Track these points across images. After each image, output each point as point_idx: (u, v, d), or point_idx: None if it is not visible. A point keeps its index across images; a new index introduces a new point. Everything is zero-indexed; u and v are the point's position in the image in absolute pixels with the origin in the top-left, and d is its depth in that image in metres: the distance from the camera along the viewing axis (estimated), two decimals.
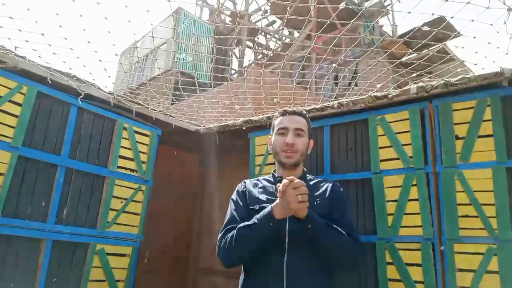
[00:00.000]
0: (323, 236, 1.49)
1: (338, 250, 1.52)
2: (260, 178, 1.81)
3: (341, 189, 1.75)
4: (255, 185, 1.74)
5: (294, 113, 1.74)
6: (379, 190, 2.21)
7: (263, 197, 1.65)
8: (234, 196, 1.75)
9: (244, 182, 1.79)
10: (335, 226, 1.52)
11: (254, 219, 1.49)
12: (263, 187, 1.71)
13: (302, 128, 1.70)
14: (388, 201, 2.17)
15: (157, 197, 3.25)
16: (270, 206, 1.46)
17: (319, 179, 1.78)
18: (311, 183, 1.73)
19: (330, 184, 1.72)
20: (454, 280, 1.87)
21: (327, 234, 1.49)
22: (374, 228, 2.17)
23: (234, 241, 1.51)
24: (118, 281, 2.66)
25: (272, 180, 1.74)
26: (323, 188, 1.70)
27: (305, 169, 1.78)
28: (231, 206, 1.72)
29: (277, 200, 1.44)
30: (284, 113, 1.75)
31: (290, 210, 1.41)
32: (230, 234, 1.55)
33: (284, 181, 1.42)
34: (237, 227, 1.53)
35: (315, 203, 1.60)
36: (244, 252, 1.55)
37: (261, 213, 1.48)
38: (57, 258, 2.39)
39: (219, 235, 1.62)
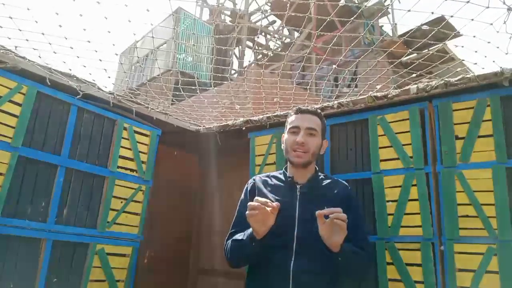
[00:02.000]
0: (347, 265, 1.48)
1: (353, 271, 1.55)
2: (271, 174, 1.77)
3: (353, 192, 1.74)
4: (265, 182, 1.71)
5: (307, 111, 1.71)
6: (379, 190, 2.20)
7: (272, 197, 1.61)
8: (242, 195, 1.73)
9: (253, 180, 1.75)
10: (354, 248, 1.50)
11: (243, 235, 1.50)
12: (273, 186, 1.68)
13: (315, 127, 1.67)
14: (388, 201, 2.16)
15: (157, 197, 3.24)
16: None
17: (331, 179, 1.74)
18: (323, 184, 1.70)
19: (343, 188, 1.69)
20: (454, 280, 1.87)
21: (350, 262, 1.47)
22: (374, 228, 2.17)
23: (230, 251, 1.55)
24: (118, 281, 2.66)
25: (283, 178, 1.70)
26: (335, 192, 1.67)
27: (317, 168, 1.75)
28: (238, 207, 1.71)
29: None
30: (297, 112, 1.72)
31: (260, 228, 1.41)
32: (229, 241, 1.58)
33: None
34: (231, 239, 1.56)
35: (326, 207, 1.57)
36: (240, 262, 1.60)
37: (249, 230, 1.48)
38: (57, 258, 2.39)
39: (227, 236, 1.64)
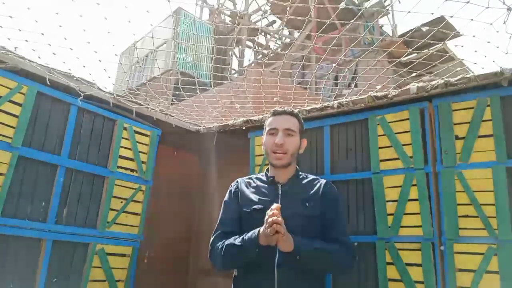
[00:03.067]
0: (314, 262, 1.50)
1: (330, 266, 1.57)
2: (253, 176, 1.80)
3: (334, 187, 1.74)
4: (248, 184, 1.74)
5: (284, 113, 1.73)
6: (379, 190, 2.20)
7: (255, 197, 1.65)
8: (226, 197, 1.75)
9: (237, 182, 1.79)
10: (322, 244, 1.51)
11: (241, 240, 1.49)
12: (256, 187, 1.71)
13: (292, 128, 1.69)
14: (388, 201, 2.17)
15: (157, 197, 3.25)
16: (258, 231, 1.44)
17: (312, 177, 1.77)
18: (304, 182, 1.73)
19: (323, 184, 1.71)
20: (454, 280, 1.87)
21: (317, 258, 1.49)
22: (374, 228, 2.17)
23: (222, 256, 1.54)
24: (118, 281, 2.66)
25: (265, 179, 1.73)
26: (315, 188, 1.69)
27: (297, 167, 1.77)
28: (223, 208, 1.73)
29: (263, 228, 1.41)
30: (274, 113, 1.75)
31: (272, 241, 1.40)
32: (219, 244, 1.57)
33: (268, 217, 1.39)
34: (226, 243, 1.54)
35: (307, 204, 1.60)
36: (232, 265, 1.62)
37: (249, 236, 1.48)
38: (57, 258, 2.39)
39: (211, 238, 1.65)
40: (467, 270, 1.86)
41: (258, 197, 1.65)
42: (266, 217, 1.38)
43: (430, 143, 2.12)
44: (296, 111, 1.78)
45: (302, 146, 1.76)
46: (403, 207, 2.10)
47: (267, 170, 1.78)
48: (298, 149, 1.72)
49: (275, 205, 1.40)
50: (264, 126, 1.79)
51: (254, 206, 1.61)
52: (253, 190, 1.70)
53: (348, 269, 1.65)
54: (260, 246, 1.43)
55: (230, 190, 1.76)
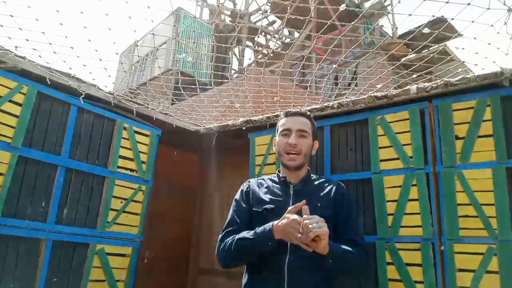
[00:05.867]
0: (341, 264, 1.48)
1: (349, 269, 1.55)
2: (265, 177, 1.80)
3: (346, 189, 1.74)
4: (260, 184, 1.74)
5: (297, 114, 1.74)
6: (379, 190, 2.21)
7: (266, 197, 1.65)
8: (237, 196, 1.74)
9: (249, 182, 1.79)
10: (345, 247, 1.50)
11: (253, 234, 1.47)
12: (268, 187, 1.71)
13: (305, 129, 1.70)
14: (388, 201, 2.17)
15: (157, 197, 3.24)
16: (272, 224, 1.43)
17: (323, 179, 1.77)
18: (315, 183, 1.73)
19: (335, 185, 1.71)
20: (454, 280, 1.87)
21: (344, 261, 1.48)
22: (374, 228, 2.17)
23: (232, 250, 1.52)
24: (118, 281, 2.66)
25: (277, 180, 1.73)
26: (328, 189, 1.69)
27: (309, 169, 1.77)
28: (233, 207, 1.72)
29: (281, 221, 1.40)
30: (287, 114, 1.76)
31: (291, 240, 1.38)
32: (229, 240, 1.55)
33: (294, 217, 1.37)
34: (237, 237, 1.52)
35: (319, 204, 1.60)
36: (241, 261, 1.60)
37: (262, 229, 1.46)
38: (57, 258, 2.39)
39: (219, 236, 1.63)
40: (467, 270, 1.86)
41: (270, 197, 1.64)
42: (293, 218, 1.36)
43: (430, 143, 2.13)
44: (309, 112, 1.78)
45: (315, 147, 1.77)
46: (403, 207, 2.10)
47: (279, 170, 1.78)
48: (311, 150, 1.73)
49: (307, 209, 1.37)
50: (277, 127, 1.79)
51: (266, 206, 1.60)
52: (265, 190, 1.69)
53: (362, 272, 1.65)
54: (273, 240, 1.42)
55: (242, 190, 1.76)
